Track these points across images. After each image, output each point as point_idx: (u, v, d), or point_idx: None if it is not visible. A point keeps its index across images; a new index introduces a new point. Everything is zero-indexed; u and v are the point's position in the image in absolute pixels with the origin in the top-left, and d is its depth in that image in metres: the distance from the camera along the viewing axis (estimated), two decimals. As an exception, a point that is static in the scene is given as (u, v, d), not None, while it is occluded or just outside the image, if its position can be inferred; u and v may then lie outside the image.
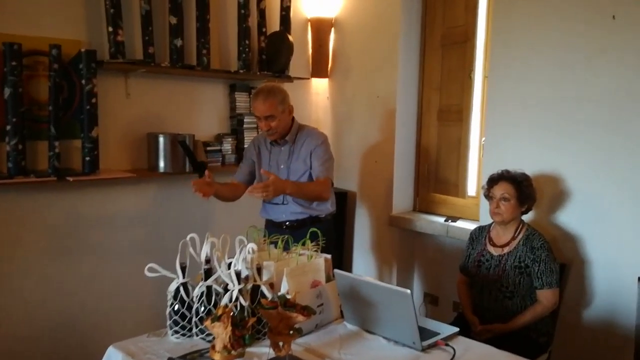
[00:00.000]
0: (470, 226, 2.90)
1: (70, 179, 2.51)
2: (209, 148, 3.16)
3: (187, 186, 3.07)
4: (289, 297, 1.73)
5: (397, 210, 3.44)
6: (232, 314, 1.57)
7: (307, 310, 1.70)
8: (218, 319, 1.54)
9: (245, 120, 3.28)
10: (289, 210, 2.64)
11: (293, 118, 2.66)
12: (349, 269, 3.75)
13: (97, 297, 2.87)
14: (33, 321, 2.68)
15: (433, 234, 3.24)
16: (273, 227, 2.67)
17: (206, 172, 2.49)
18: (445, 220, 3.19)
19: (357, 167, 3.65)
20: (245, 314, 1.80)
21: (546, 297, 2.27)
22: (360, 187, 3.66)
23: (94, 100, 2.59)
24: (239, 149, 3.30)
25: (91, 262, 2.84)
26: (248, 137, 3.28)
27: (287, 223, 2.65)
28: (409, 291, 1.77)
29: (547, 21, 2.61)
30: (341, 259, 3.72)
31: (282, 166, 2.63)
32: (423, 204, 3.50)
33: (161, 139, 2.87)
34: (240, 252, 1.89)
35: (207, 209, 3.23)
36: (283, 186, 2.41)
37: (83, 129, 2.60)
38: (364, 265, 3.67)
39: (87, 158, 2.59)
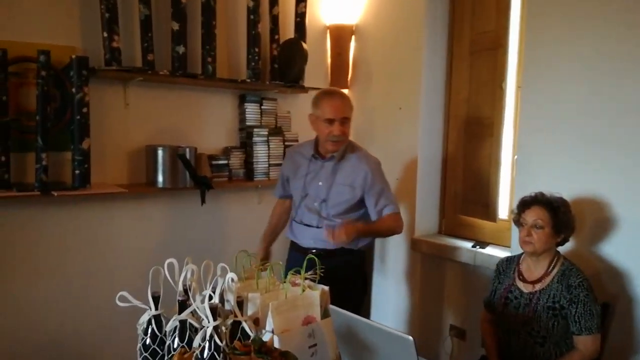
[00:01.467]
0: (501, 253, 2.60)
1: (55, 193, 2.33)
2: (214, 162, 2.95)
3: (186, 202, 2.92)
4: (266, 340, 1.47)
5: (420, 232, 3.14)
6: (192, 361, 1.32)
7: (286, 358, 1.43)
8: (172, 368, 1.30)
9: (255, 132, 3.06)
10: (321, 237, 2.33)
11: None
12: (367, 296, 3.46)
13: (86, 320, 2.67)
14: (16, 342, 2.51)
15: (459, 260, 2.92)
16: (297, 253, 2.39)
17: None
18: (473, 246, 2.86)
19: (377, 185, 3.36)
20: (221, 357, 1.55)
21: (585, 344, 1.93)
22: (380, 206, 3.37)
23: (85, 110, 2.42)
24: (247, 163, 3.08)
25: (77, 284, 2.65)
26: (258, 151, 3.06)
27: (314, 250, 2.38)
28: (411, 338, 1.50)
29: (587, 24, 2.28)
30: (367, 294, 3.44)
31: (320, 183, 2.37)
32: (449, 226, 3.18)
33: (160, 152, 2.68)
34: (210, 283, 1.64)
35: (212, 227, 3.01)
36: (354, 227, 2.22)
37: (73, 140, 2.43)
38: (383, 293, 3.37)
39: (77, 171, 2.42)
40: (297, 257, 2.27)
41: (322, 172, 2.38)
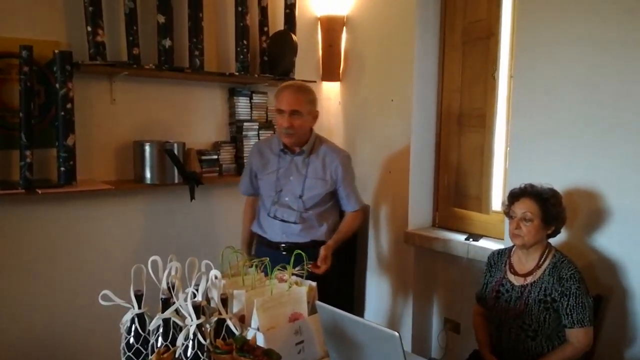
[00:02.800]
0: (494, 246, 2.57)
1: (40, 191, 2.29)
2: (204, 157, 2.91)
3: (176, 199, 2.88)
4: (249, 338, 1.44)
5: (413, 225, 3.10)
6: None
7: (268, 356, 1.40)
8: (151, 368, 1.27)
9: (245, 126, 3.02)
10: (292, 231, 2.34)
11: (311, 128, 2.39)
12: (361, 289, 3.44)
13: (71, 318, 2.64)
14: (2, 343, 2.49)
15: (452, 253, 2.88)
16: (267, 248, 2.37)
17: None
18: (466, 239, 2.83)
19: (370, 178, 3.33)
20: (205, 356, 1.52)
21: (577, 337, 1.90)
22: (373, 200, 3.33)
23: (69, 106, 2.38)
24: (238, 158, 3.04)
25: (63, 283, 2.61)
26: (248, 146, 3.01)
27: (284, 245, 2.36)
28: (397, 334, 1.46)
29: (580, 10, 2.23)
30: (351, 282, 3.41)
31: (291, 177, 2.35)
32: (443, 219, 3.14)
33: (147, 148, 2.64)
34: (194, 280, 1.61)
35: (200, 224, 2.98)
36: (327, 251, 2.28)
37: (58, 136, 2.39)
38: (377, 287, 3.34)
39: (62, 168, 2.38)
40: (267, 252, 2.24)
41: (293, 167, 2.36)
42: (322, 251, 2.25)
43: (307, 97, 2.30)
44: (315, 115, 2.36)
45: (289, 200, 2.35)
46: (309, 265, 2.16)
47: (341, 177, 2.38)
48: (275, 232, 2.38)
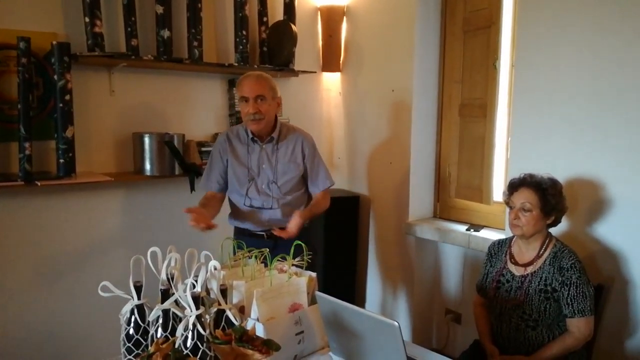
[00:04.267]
0: (495, 236, 2.55)
1: (39, 183, 2.29)
2: (203, 149, 2.89)
3: (175, 190, 2.87)
4: (248, 328, 1.44)
5: (414, 216, 3.10)
6: (169, 352, 1.29)
7: (268, 346, 1.40)
8: (149, 358, 1.27)
9: (245, 118, 3.00)
10: (274, 217, 2.33)
11: (276, 116, 2.37)
12: (362, 280, 3.44)
13: (71, 310, 2.65)
14: (1, 333, 2.49)
15: (453, 244, 2.88)
16: (249, 239, 2.28)
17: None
18: (467, 229, 2.82)
19: (370, 169, 3.32)
20: (204, 346, 1.52)
21: (578, 326, 1.89)
22: (373, 190, 3.33)
23: (67, 98, 2.37)
24: (238, 150, 3.03)
25: (63, 275, 2.61)
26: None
27: (268, 233, 2.35)
28: (396, 323, 1.46)
29: (582, 0, 2.21)
30: (352, 273, 3.41)
31: (264, 165, 2.34)
32: (444, 210, 3.13)
33: (146, 140, 2.63)
34: (194, 271, 1.61)
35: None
36: (300, 219, 2.25)
37: (57, 128, 2.38)
38: (377, 278, 3.34)
39: (62, 160, 2.37)
40: (250, 241, 2.17)
41: (264, 155, 2.35)
42: (295, 216, 2.25)
43: (269, 84, 2.29)
44: (278, 102, 2.35)
45: (265, 188, 2.34)
46: (275, 231, 2.23)
47: (310, 156, 2.39)
48: (256, 221, 2.37)
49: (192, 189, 2.77)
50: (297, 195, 2.39)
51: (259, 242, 2.24)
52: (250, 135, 2.34)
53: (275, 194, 2.34)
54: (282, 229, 2.26)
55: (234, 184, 2.38)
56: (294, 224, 2.24)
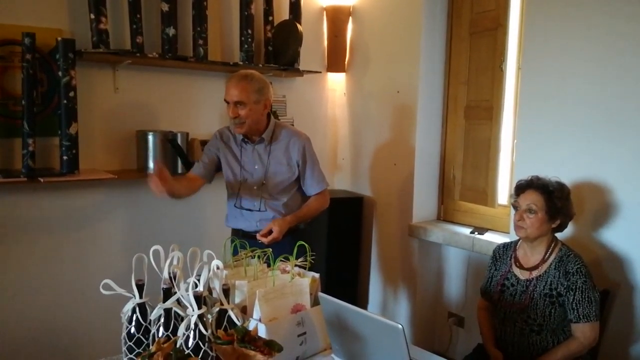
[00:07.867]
0: (500, 239, 2.54)
1: (42, 179, 2.28)
2: (207, 147, 2.89)
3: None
4: (250, 329, 1.43)
5: (418, 218, 3.08)
6: (170, 351, 1.27)
7: (270, 347, 1.39)
8: (150, 357, 1.25)
9: (249, 117, 2.99)
10: (265, 218, 2.31)
11: (269, 115, 2.34)
12: (365, 282, 3.42)
13: (74, 307, 2.64)
14: (5, 329, 2.48)
15: (457, 247, 2.86)
16: (245, 239, 2.32)
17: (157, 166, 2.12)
18: (471, 232, 2.80)
19: (374, 170, 3.31)
20: (206, 346, 1.50)
21: (583, 332, 1.87)
22: (377, 192, 3.31)
23: (72, 94, 2.36)
24: (242, 149, 3.02)
25: (66, 272, 2.60)
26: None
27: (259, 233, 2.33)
28: (400, 326, 1.44)
29: (592, 2, 2.19)
30: (355, 275, 3.39)
31: (256, 166, 2.32)
32: (448, 212, 3.12)
33: (150, 137, 2.62)
34: (196, 270, 1.59)
35: (203, 214, 2.96)
36: (285, 222, 2.23)
37: (61, 125, 2.37)
38: (380, 280, 3.33)
39: (65, 157, 2.36)
40: (248, 242, 2.12)
41: (256, 156, 2.33)
42: (275, 222, 2.22)
43: (252, 86, 2.21)
44: (266, 105, 2.28)
45: (256, 189, 2.32)
46: (258, 234, 2.21)
47: (304, 157, 2.34)
48: (249, 222, 2.36)
49: (195, 187, 2.75)
50: (289, 197, 2.35)
51: (252, 243, 2.23)
52: (242, 136, 2.33)
53: (266, 196, 2.32)
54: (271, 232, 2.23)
55: (227, 182, 2.38)
56: (276, 230, 2.20)
